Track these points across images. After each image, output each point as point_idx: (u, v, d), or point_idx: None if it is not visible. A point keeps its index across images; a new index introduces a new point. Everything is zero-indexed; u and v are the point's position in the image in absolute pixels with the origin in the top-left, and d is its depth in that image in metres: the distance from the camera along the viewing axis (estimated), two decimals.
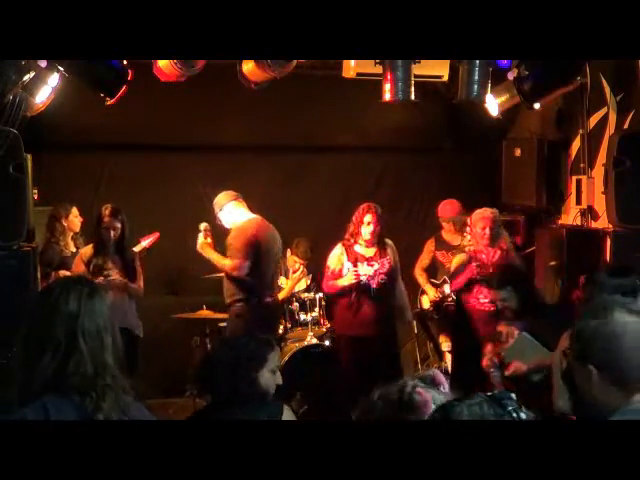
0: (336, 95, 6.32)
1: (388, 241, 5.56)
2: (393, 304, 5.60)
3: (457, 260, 5.61)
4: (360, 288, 5.35)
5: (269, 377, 3.03)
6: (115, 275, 5.29)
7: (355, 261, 5.36)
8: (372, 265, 5.35)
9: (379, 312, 5.39)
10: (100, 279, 5.14)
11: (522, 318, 4.65)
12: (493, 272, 5.24)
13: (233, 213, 5.34)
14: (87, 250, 5.40)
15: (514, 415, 1.54)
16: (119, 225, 5.35)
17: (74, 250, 5.88)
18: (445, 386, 2.48)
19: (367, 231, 5.36)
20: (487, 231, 5.35)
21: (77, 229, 5.98)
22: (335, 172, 7.08)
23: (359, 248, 5.42)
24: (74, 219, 5.93)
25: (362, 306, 5.37)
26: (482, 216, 5.38)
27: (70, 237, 5.93)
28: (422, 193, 7.29)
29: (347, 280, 5.35)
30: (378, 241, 5.46)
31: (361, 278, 5.32)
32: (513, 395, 1.57)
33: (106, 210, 5.34)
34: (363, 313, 5.38)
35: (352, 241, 5.43)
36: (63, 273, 5.70)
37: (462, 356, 5.61)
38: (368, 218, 5.36)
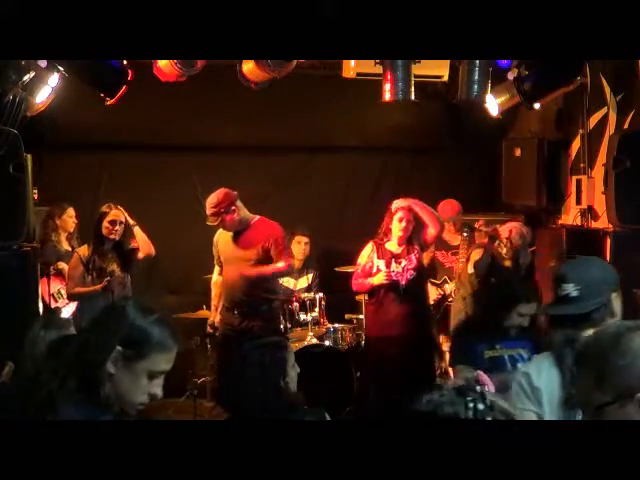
0: (336, 95, 6.32)
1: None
2: (425, 301, 5.55)
3: (475, 255, 5.60)
4: (389, 286, 5.26)
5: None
6: (118, 274, 5.24)
7: (389, 259, 5.27)
8: (400, 262, 5.29)
9: (410, 310, 5.27)
10: (104, 282, 5.10)
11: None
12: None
13: (243, 210, 5.27)
14: (84, 250, 5.32)
15: (470, 406, 1.54)
16: (122, 224, 5.27)
17: (68, 249, 5.89)
18: (490, 387, 2.48)
19: (398, 228, 5.29)
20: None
21: (70, 229, 5.98)
22: (335, 172, 7.08)
23: (389, 245, 5.38)
24: (68, 219, 5.93)
25: (392, 304, 5.26)
26: (520, 233, 5.52)
27: (64, 236, 5.93)
28: (422, 193, 7.27)
29: (378, 280, 5.26)
30: (406, 239, 5.40)
31: (392, 277, 5.24)
32: (479, 387, 1.56)
33: (108, 208, 5.26)
34: (393, 312, 5.27)
35: (384, 239, 5.39)
36: (62, 266, 5.73)
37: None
38: (399, 215, 5.31)
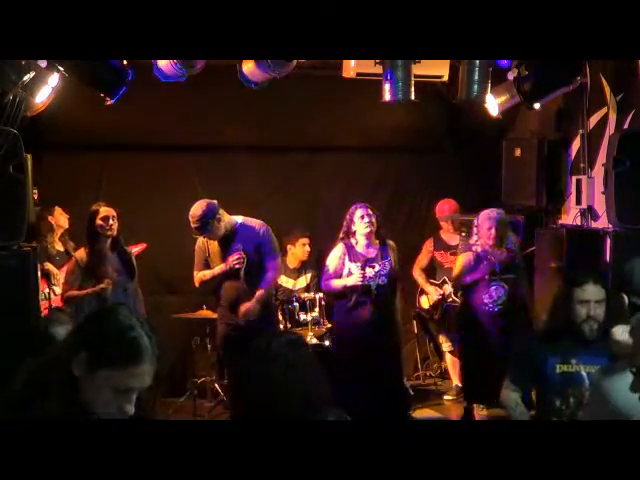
0: (336, 95, 6.32)
1: (390, 242, 5.53)
2: (394, 306, 5.56)
3: (462, 259, 5.60)
4: (360, 290, 5.31)
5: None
6: (112, 275, 5.18)
7: (364, 263, 5.28)
8: (373, 267, 5.32)
9: (379, 314, 5.34)
10: (99, 287, 5.07)
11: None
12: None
13: (225, 216, 5.26)
14: (81, 253, 5.26)
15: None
16: (115, 221, 5.22)
17: (60, 249, 5.89)
18: None
19: (363, 226, 5.31)
20: (493, 231, 5.39)
21: (65, 225, 5.97)
22: (335, 172, 7.08)
23: (360, 248, 5.39)
24: (59, 216, 5.94)
25: (362, 308, 5.32)
26: (488, 216, 5.41)
27: (58, 236, 5.92)
28: (422, 193, 7.29)
29: (352, 280, 5.29)
30: (379, 242, 5.43)
31: (367, 279, 5.27)
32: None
33: (99, 207, 5.21)
34: (363, 315, 5.32)
35: (352, 242, 5.40)
36: (49, 267, 5.70)
37: (470, 354, 5.63)
38: (359, 212, 5.33)
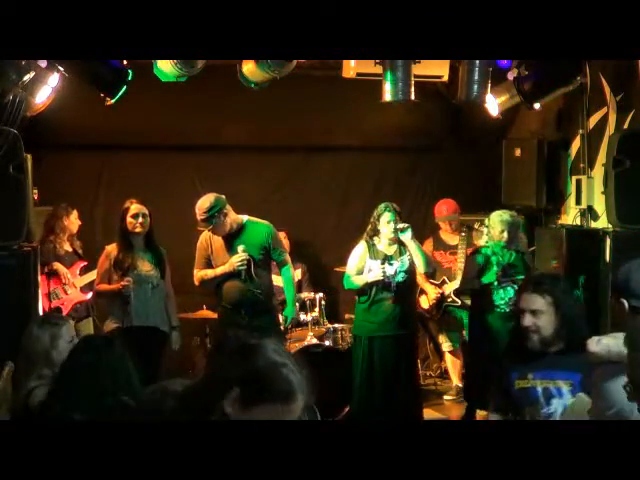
0: (336, 95, 6.32)
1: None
2: (413, 304, 5.62)
3: (472, 261, 5.59)
4: (381, 286, 5.34)
5: None
6: (146, 273, 5.20)
7: (383, 260, 5.33)
8: (392, 264, 5.35)
9: (400, 311, 5.36)
10: (122, 283, 5.07)
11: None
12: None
13: (232, 212, 5.27)
14: (112, 248, 5.27)
15: None
16: (146, 218, 5.22)
17: (69, 250, 5.91)
18: None
19: (389, 229, 5.34)
20: (505, 234, 5.38)
21: (75, 230, 6.01)
22: (335, 172, 7.08)
23: (381, 247, 5.42)
24: (75, 221, 5.98)
25: (383, 305, 5.36)
26: (500, 219, 5.42)
27: (66, 238, 5.95)
28: (422, 193, 7.29)
29: (372, 276, 5.31)
30: (397, 240, 5.45)
31: (387, 275, 5.30)
32: None
33: (131, 204, 5.21)
34: (384, 312, 5.36)
35: (374, 240, 5.42)
36: (58, 267, 5.74)
37: (477, 356, 5.62)
38: (387, 217, 5.35)
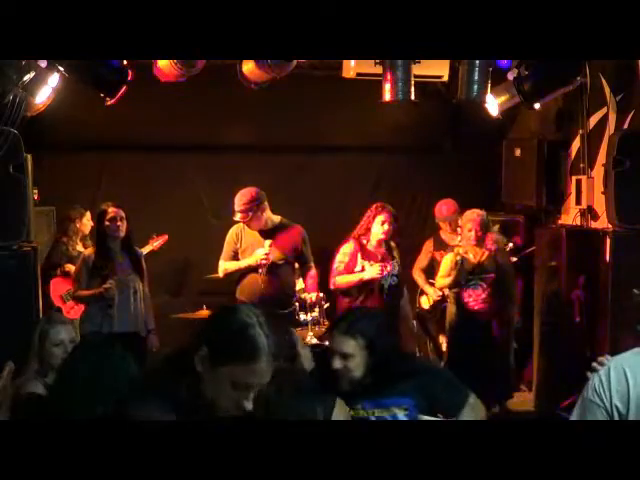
0: (336, 95, 6.32)
1: (392, 243, 5.56)
2: (398, 309, 5.60)
3: (446, 260, 5.67)
4: (372, 287, 5.33)
5: None
6: (120, 275, 5.15)
7: (381, 257, 5.35)
8: (385, 266, 5.34)
9: (389, 313, 5.27)
10: (103, 287, 5.03)
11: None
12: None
13: (269, 210, 5.33)
14: (89, 252, 5.26)
15: None
16: (123, 222, 5.19)
17: (82, 250, 5.90)
18: None
19: (381, 230, 5.35)
20: (473, 233, 5.47)
21: (87, 232, 6.06)
22: (335, 172, 7.08)
23: (371, 248, 5.42)
24: (87, 222, 6.03)
25: (373, 306, 5.29)
26: (469, 218, 5.51)
27: (79, 239, 5.97)
28: (422, 193, 7.29)
29: (369, 274, 5.29)
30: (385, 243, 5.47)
31: (384, 274, 5.29)
32: None
33: (108, 207, 5.18)
34: None
35: (363, 239, 5.42)
36: (70, 268, 5.74)
37: (454, 355, 5.72)
38: (382, 217, 5.35)
